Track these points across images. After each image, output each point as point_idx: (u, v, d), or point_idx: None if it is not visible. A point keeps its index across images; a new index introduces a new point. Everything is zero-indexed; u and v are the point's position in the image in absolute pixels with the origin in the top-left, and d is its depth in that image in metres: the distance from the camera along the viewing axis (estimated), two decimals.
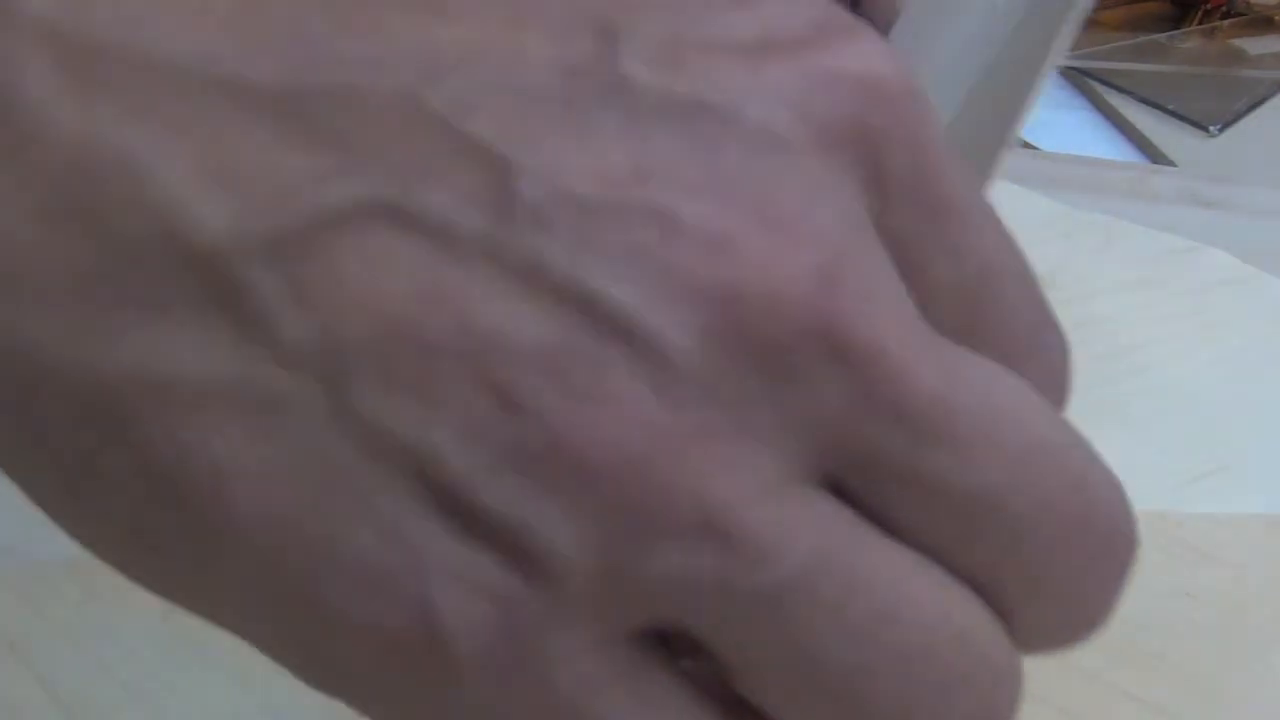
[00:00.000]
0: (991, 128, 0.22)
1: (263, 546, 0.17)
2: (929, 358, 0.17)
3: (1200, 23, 0.81)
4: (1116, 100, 0.72)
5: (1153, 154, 0.67)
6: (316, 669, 0.18)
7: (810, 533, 0.16)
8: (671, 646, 0.17)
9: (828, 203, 0.17)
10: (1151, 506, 0.37)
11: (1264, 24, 0.81)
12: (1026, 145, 0.66)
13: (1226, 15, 0.81)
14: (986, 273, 0.18)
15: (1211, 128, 0.68)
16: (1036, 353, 0.19)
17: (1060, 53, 0.22)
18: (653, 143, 0.17)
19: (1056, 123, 0.70)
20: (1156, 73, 0.75)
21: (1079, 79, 0.75)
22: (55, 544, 0.40)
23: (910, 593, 0.17)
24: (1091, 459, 0.18)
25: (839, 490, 0.17)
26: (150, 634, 0.35)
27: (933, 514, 0.17)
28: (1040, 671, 0.19)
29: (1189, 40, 0.80)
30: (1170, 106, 0.70)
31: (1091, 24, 0.82)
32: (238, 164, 0.16)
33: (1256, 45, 0.78)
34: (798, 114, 0.17)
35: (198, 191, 0.16)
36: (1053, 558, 0.17)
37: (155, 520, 0.17)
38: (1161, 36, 0.80)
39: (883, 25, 0.60)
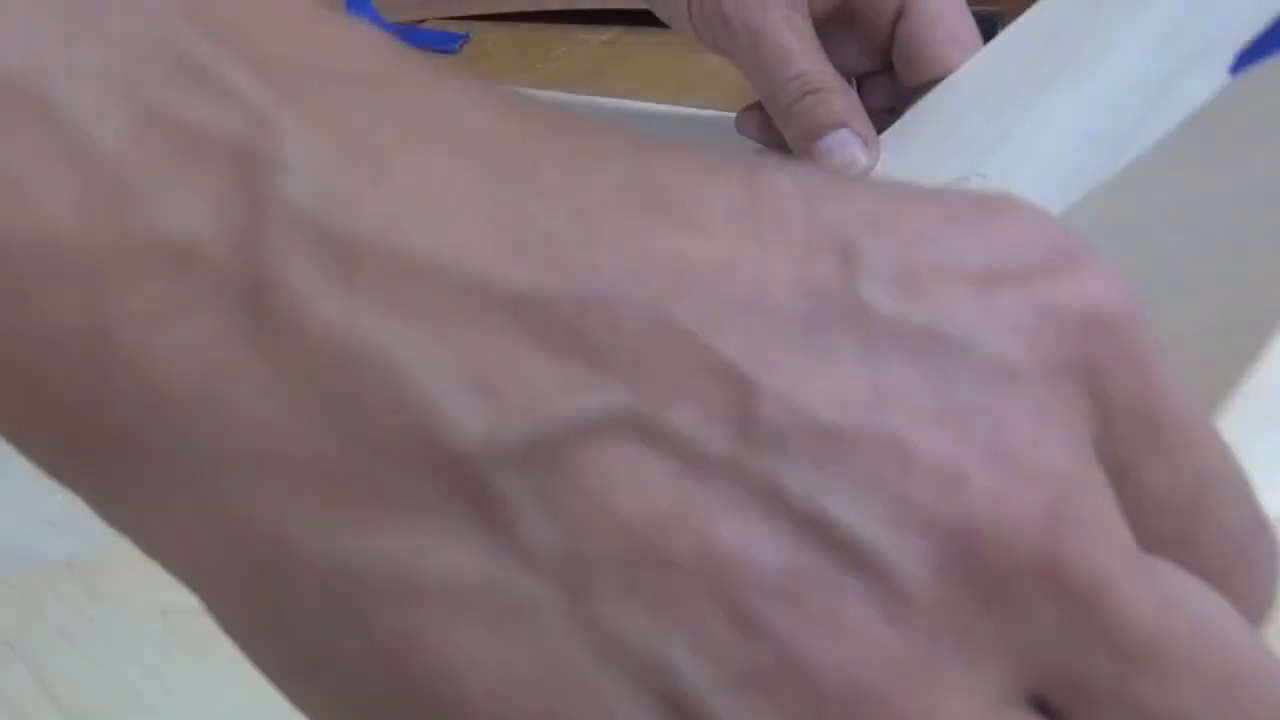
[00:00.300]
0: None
1: None
2: (1146, 588, 0.17)
3: None
4: None
5: None
6: None
7: None
8: None
9: (1055, 435, 0.17)
10: None
11: None
12: None
13: None
14: (1202, 484, 0.19)
15: None
16: (1246, 561, 0.19)
17: None
18: (889, 369, 0.17)
19: None
20: None
21: None
22: (55, 544, 0.40)
23: None
24: None
25: (1042, 703, 0.18)
26: (150, 634, 0.35)
27: None
28: None
29: None
30: None
31: None
32: (492, 369, 0.17)
33: None
34: (1027, 346, 0.18)
35: (454, 395, 0.17)
36: None
37: (386, 710, 0.18)
38: None
39: (920, 83, 0.59)
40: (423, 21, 0.87)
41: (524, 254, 0.17)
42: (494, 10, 0.87)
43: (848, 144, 0.52)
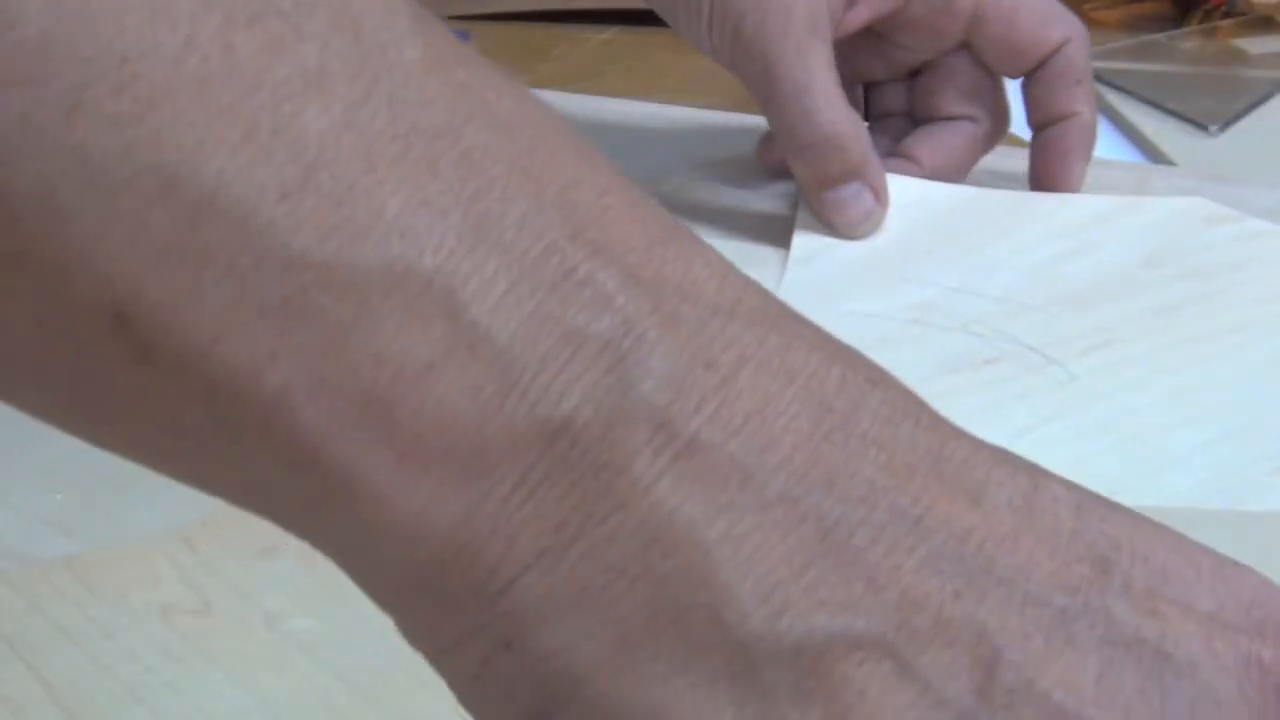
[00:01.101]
0: None
1: None
2: None
3: (1200, 23, 0.81)
4: (1116, 100, 0.72)
5: (1153, 154, 0.67)
6: None
7: None
8: None
9: None
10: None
11: (1264, 24, 0.81)
12: (1028, 145, 0.66)
13: (1226, 15, 0.81)
14: None
15: (1211, 128, 0.68)
16: None
17: None
18: (1118, 670, 0.20)
19: None
20: (1156, 73, 0.75)
21: None
22: (55, 544, 0.40)
23: None
24: None
25: None
26: (150, 634, 0.35)
27: None
28: None
29: (1189, 40, 0.80)
30: (1170, 106, 0.70)
31: (1091, 24, 0.82)
32: (783, 576, 0.20)
33: (1256, 45, 0.78)
34: (1235, 684, 0.21)
35: (749, 589, 0.20)
36: None
37: None
38: (1161, 36, 0.80)
39: (1026, 69, 0.57)
40: None
41: (835, 484, 0.20)
42: (494, 10, 0.87)
43: (860, 197, 0.52)
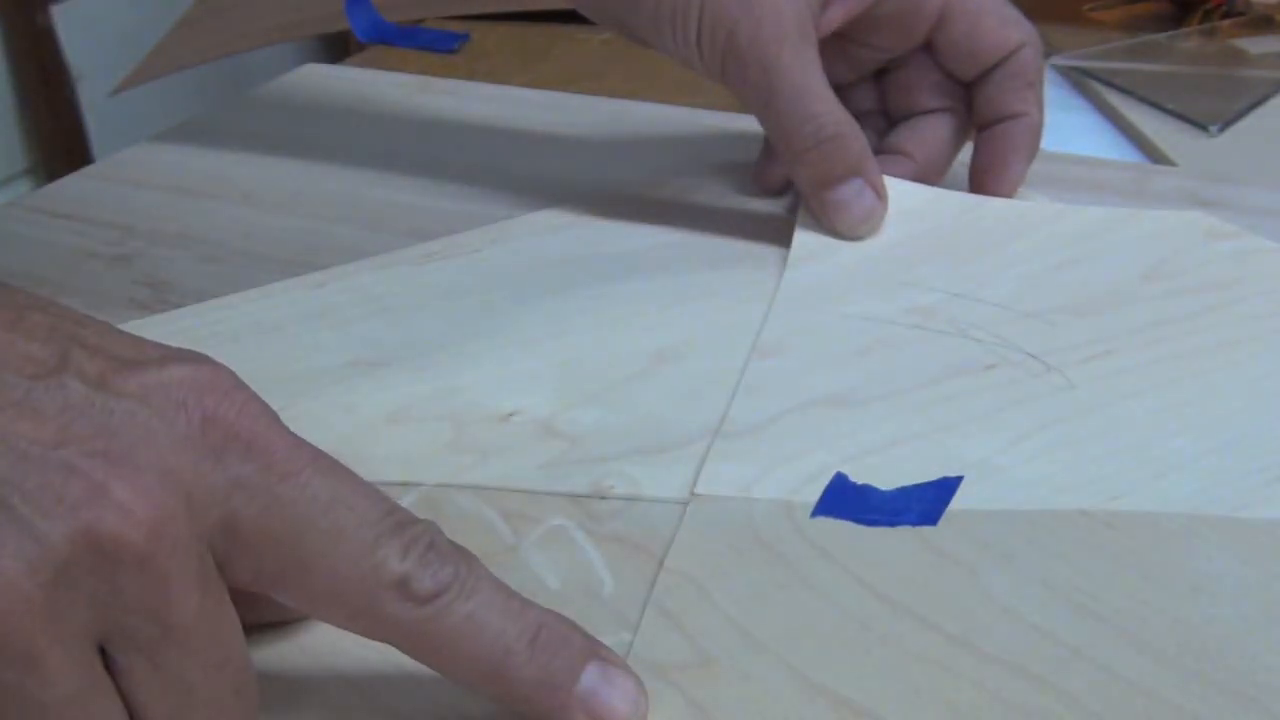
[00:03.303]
0: None
1: None
2: None
3: (1200, 23, 0.81)
4: (1116, 100, 0.72)
5: (1153, 154, 0.67)
6: None
7: None
8: None
9: None
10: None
11: (1264, 24, 0.81)
12: None
13: (1226, 15, 0.81)
14: None
15: (1211, 128, 0.68)
16: None
17: None
18: (74, 426, 0.28)
19: (1056, 123, 0.70)
20: (1156, 73, 0.75)
21: (1079, 79, 0.75)
22: None
23: None
24: None
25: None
26: None
27: None
28: None
29: (1189, 40, 0.80)
30: (1170, 106, 0.70)
31: (1091, 24, 0.82)
32: None
33: (1256, 45, 0.78)
34: (168, 418, 0.29)
35: None
36: None
37: None
38: (1161, 36, 0.80)
39: (982, 72, 0.58)
40: (422, 21, 0.87)
41: None
42: (494, 10, 0.87)
43: (862, 195, 0.52)
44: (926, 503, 0.38)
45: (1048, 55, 0.77)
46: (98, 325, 0.30)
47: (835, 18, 0.53)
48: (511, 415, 0.43)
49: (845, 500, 0.38)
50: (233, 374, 0.30)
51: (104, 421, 0.28)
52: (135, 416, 0.28)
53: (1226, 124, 0.69)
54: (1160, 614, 0.34)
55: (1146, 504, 0.38)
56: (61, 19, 1.65)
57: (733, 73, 0.51)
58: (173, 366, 0.30)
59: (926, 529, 0.37)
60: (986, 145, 0.55)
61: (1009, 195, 0.55)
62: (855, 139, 0.51)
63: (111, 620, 0.28)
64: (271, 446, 0.30)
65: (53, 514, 0.27)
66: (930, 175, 0.56)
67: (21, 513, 0.27)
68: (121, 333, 0.31)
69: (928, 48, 0.55)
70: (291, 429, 0.30)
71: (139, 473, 0.28)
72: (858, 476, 0.39)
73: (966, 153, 0.56)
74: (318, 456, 0.30)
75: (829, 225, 0.52)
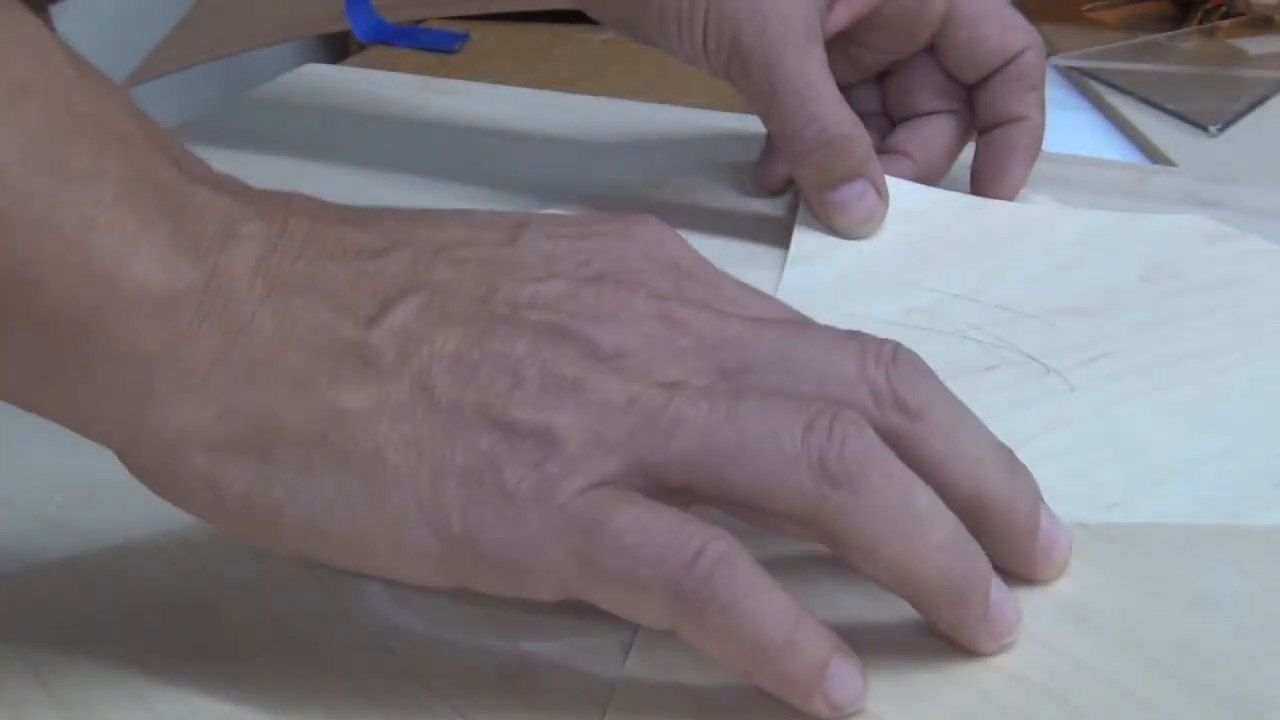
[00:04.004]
0: None
1: None
2: None
3: (1200, 23, 0.81)
4: (1116, 100, 0.72)
5: (1153, 154, 0.67)
6: None
7: None
8: None
9: None
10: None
11: (1264, 24, 0.81)
12: None
13: (1226, 15, 0.81)
14: None
15: (1211, 128, 0.68)
16: None
17: None
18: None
19: (1056, 123, 0.70)
20: (1156, 73, 0.75)
21: (1079, 79, 0.75)
22: (55, 544, 0.40)
23: None
24: None
25: None
26: (150, 634, 0.35)
27: None
28: None
29: (1189, 40, 0.80)
30: (1170, 106, 0.70)
31: (1091, 24, 0.82)
32: (344, 303, 0.32)
33: (1256, 45, 0.78)
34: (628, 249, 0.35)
35: (340, 314, 0.32)
36: None
37: None
38: (1161, 36, 0.80)
39: (983, 77, 0.58)
40: (423, 21, 0.87)
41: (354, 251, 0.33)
42: (494, 10, 0.87)
43: (865, 196, 0.52)
44: None
45: (1048, 55, 0.77)
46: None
47: (841, 18, 0.53)
48: None
49: None
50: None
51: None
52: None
53: (1226, 124, 0.69)
54: (1161, 626, 0.33)
55: (1146, 511, 0.38)
56: (61, 19, 1.65)
57: (738, 73, 0.51)
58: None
59: None
60: (988, 148, 0.55)
61: (1010, 198, 0.55)
62: (860, 140, 0.51)
63: None
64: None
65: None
66: (931, 177, 0.55)
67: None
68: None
69: (930, 50, 0.55)
70: None
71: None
72: None
73: (967, 154, 0.56)
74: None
75: (830, 225, 0.52)
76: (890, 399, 0.32)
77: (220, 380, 0.30)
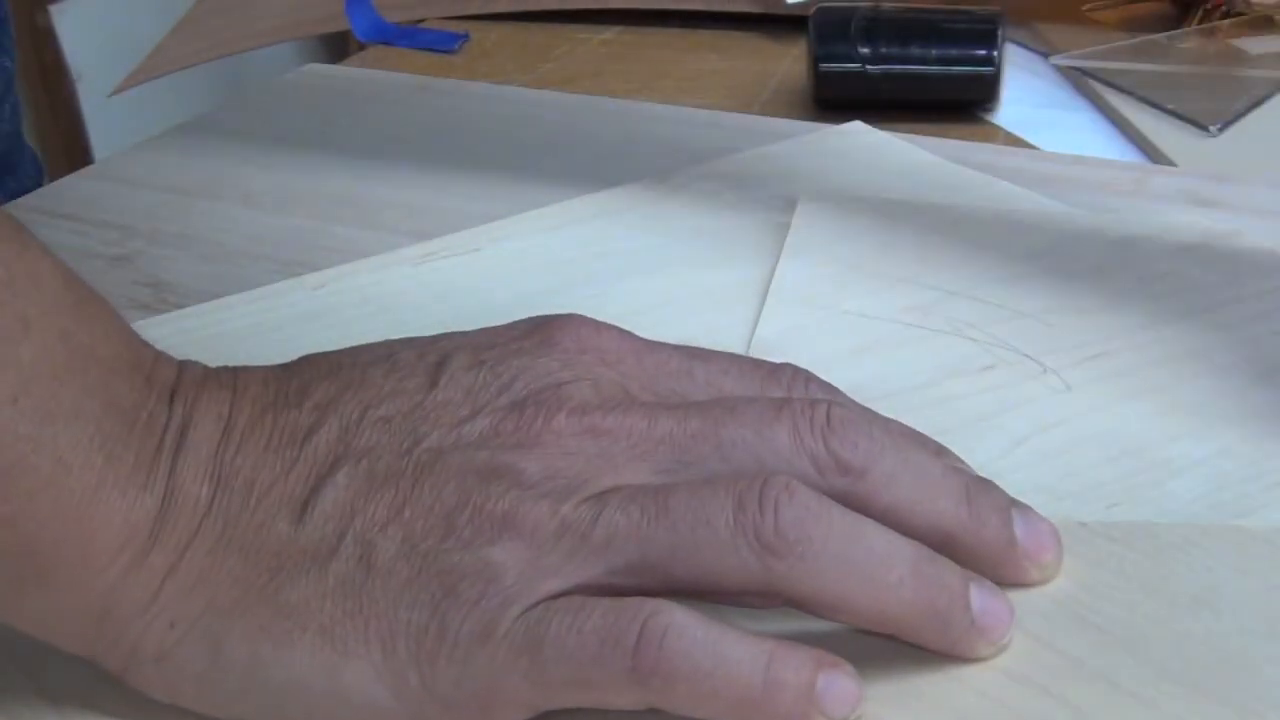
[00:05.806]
0: None
1: None
2: None
3: (1200, 23, 0.81)
4: (1116, 100, 0.72)
5: (1153, 154, 0.67)
6: None
7: None
8: None
9: None
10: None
11: (1264, 24, 0.81)
12: (1026, 145, 0.66)
13: (1226, 15, 0.81)
14: None
15: (1211, 128, 0.68)
16: None
17: None
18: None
19: (1056, 123, 0.70)
20: (1156, 73, 0.75)
21: (1079, 79, 0.75)
22: None
23: None
24: None
25: None
26: None
27: None
28: None
29: (1189, 40, 0.80)
30: (1170, 106, 0.70)
31: (1091, 24, 0.82)
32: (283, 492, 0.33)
33: (1256, 45, 0.78)
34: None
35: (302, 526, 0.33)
36: None
37: None
38: (1161, 36, 0.80)
39: None
40: (422, 21, 0.87)
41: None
42: (494, 10, 0.87)
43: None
44: None
45: (1048, 55, 0.77)
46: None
47: None
48: None
49: None
50: None
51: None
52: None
53: (1226, 124, 0.69)
54: (1161, 625, 0.33)
55: (1145, 511, 0.38)
56: (61, 19, 1.65)
57: None
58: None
59: None
60: None
61: None
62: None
63: None
64: None
65: None
66: None
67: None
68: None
69: None
70: None
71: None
72: None
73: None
74: None
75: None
76: (831, 464, 0.33)
77: (171, 592, 0.31)
